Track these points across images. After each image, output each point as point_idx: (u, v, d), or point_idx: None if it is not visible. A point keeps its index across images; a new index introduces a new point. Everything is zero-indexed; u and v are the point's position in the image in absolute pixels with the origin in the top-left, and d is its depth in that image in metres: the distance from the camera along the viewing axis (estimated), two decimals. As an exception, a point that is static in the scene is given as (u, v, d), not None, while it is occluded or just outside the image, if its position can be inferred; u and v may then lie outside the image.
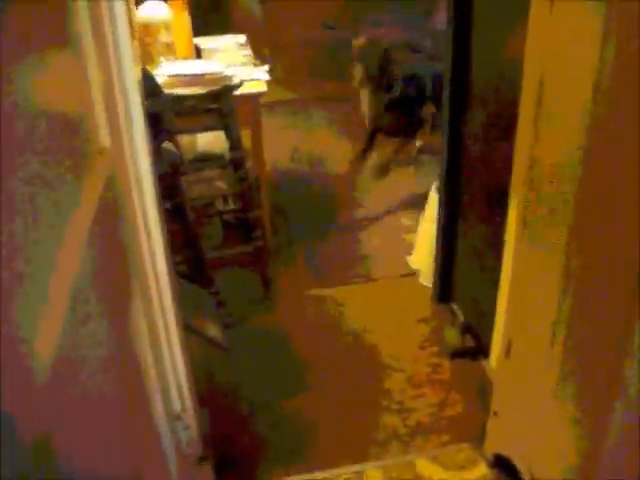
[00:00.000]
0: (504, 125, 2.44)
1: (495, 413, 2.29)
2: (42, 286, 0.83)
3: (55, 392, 0.75)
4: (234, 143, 2.98)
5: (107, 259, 1.25)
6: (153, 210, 1.66)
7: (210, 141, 3.62)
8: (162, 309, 1.74)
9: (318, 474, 2.38)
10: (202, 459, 2.04)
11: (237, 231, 3.48)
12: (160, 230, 1.72)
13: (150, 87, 2.19)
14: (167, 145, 2.41)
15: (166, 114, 2.22)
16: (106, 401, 1.01)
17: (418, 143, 4.79)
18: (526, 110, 2.12)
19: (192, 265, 2.95)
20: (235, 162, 3.02)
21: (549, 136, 1.82)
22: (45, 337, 0.77)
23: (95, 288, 1.09)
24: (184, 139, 3.46)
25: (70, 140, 1.16)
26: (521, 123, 2.24)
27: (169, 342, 1.75)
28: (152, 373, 1.57)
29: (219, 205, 3.60)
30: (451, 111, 2.86)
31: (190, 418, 1.92)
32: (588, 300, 1.71)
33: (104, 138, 1.37)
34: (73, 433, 0.80)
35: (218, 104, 2.88)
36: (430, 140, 4.71)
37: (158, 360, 1.66)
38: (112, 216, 1.34)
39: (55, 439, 0.73)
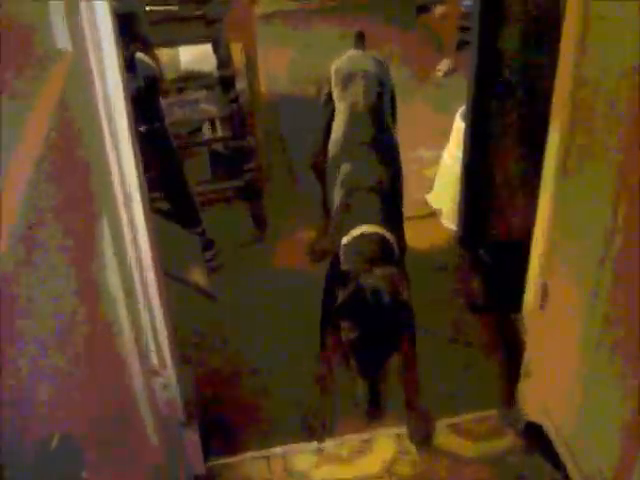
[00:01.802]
0: (545, 37, 2.38)
1: (527, 374, 2.28)
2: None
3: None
4: (223, 58, 2.92)
5: (65, 180, 1.21)
6: (124, 130, 1.62)
7: (195, 58, 3.56)
8: (136, 248, 1.71)
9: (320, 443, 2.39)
10: (185, 423, 2.04)
11: (227, 163, 3.43)
12: (133, 155, 1.67)
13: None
14: (143, 57, 2.35)
15: (139, 17, 2.16)
16: (61, 344, 0.98)
17: (443, 65, 4.71)
18: (572, 15, 2.06)
19: (174, 202, 2.92)
20: (224, 81, 2.97)
21: (598, 51, 1.77)
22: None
23: (50, 212, 1.05)
24: (164, 55, 3.40)
25: (22, 41, 1.12)
26: (566, 30, 2.18)
27: (144, 286, 1.73)
28: (123, 319, 1.55)
29: (206, 132, 3.55)
30: (481, 24, 2.79)
31: (170, 376, 1.91)
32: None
33: (62, 40, 1.33)
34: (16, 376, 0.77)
35: (203, 10, 2.81)
36: (457, 61, 4.63)
37: (131, 306, 1.64)
38: (72, 129, 1.30)
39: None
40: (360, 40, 2.98)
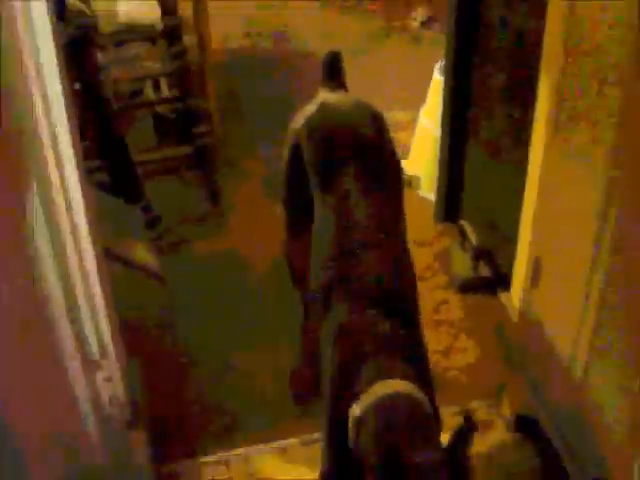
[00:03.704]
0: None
1: (518, 360, 2.31)
2: None
3: None
4: (167, 7, 2.90)
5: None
6: (55, 85, 1.60)
7: (135, 8, 3.53)
8: (71, 221, 1.69)
9: (290, 440, 2.40)
10: (131, 423, 2.03)
11: (175, 128, 3.41)
12: (67, 114, 1.65)
13: None
14: (75, 2, 2.32)
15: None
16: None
17: (419, 13, 4.72)
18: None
19: (114, 172, 2.89)
20: (169, 33, 2.95)
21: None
22: None
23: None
24: (101, 6, 3.37)
25: None
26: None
27: (81, 265, 1.71)
28: (58, 302, 1.54)
29: (150, 93, 3.53)
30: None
31: (113, 367, 1.90)
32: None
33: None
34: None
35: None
36: (435, 10, 4.64)
37: (66, 285, 1.62)
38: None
39: None
40: (334, 71, 2.24)
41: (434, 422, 1.58)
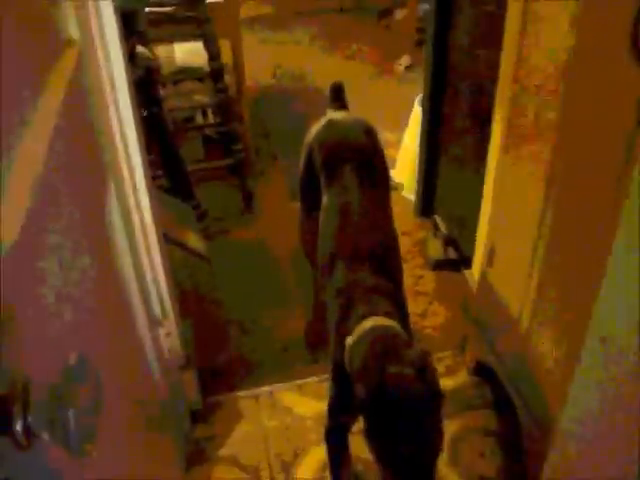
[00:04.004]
0: (490, 31, 2.37)
1: (476, 321, 2.30)
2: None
3: (18, 276, 0.71)
4: (212, 53, 2.89)
5: (78, 155, 1.19)
6: (128, 111, 1.60)
7: (188, 55, 3.52)
8: (139, 212, 1.69)
9: (305, 380, 2.40)
10: (185, 366, 2.04)
11: (218, 146, 3.41)
12: (137, 134, 1.65)
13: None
14: (142, 50, 2.31)
15: (139, 16, 2.12)
16: (79, 295, 0.97)
17: (404, 60, 4.69)
18: (513, 12, 2.05)
19: (173, 178, 2.89)
20: (214, 73, 2.94)
21: (537, 39, 1.76)
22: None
23: (64, 185, 1.04)
24: (162, 53, 3.36)
25: (36, 29, 1.09)
26: (508, 26, 2.17)
27: (147, 245, 1.72)
28: (130, 274, 1.54)
29: (199, 119, 3.52)
30: (436, 25, 2.77)
31: (171, 325, 1.90)
32: (571, 208, 1.68)
33: (72, 29, 1.30)
34: (40, 322, 0.76)
35: (194, 11, 2.77)
36: (416, 57, 4.61)
37: (136, 262, 1.63)
38: (81, 108, 1.28)
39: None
40: (338, 96, 2.25)
41: (409, 346, 1.53)
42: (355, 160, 1.95)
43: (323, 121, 2.12)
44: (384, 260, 1.77)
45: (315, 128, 2.11)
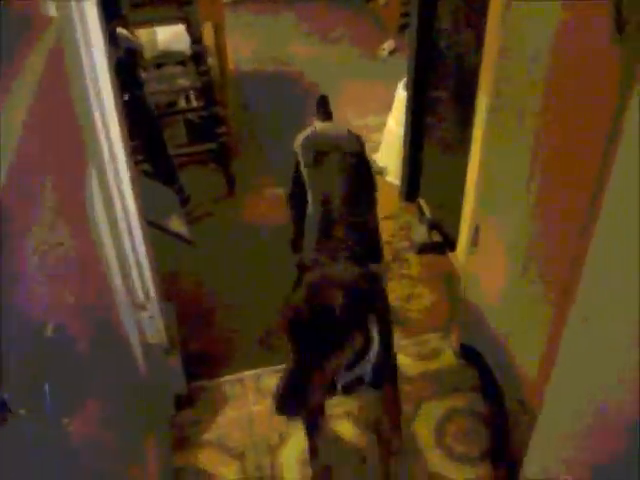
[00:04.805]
0: (474, 13, 2.36)
1: (462, 303, 2.30)
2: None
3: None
4: (194, 36, 2.85)
5: (56, 133, 1.17)
6: (108, 93, 1.57)
7: (170, 39, 3.48)
8: (121, 196, 1.68)
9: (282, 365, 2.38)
10: (169, 350, 2.03)
11: (201, 130, 3.38)
12: (118, 117, 1.63)
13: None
14: (124, 32, 2.28)
15: (120, -2, 2.10)
16: (56, 273, 0.96)
17: (388, 44, 4.67)
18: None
19: (155, 163, 2.87)
20: (196, 56, 2.90)
21: (519, 24, 1.76)
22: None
23: (40, 161, 1.02)
24: (144, 36, 3.32)
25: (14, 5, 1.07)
26: (492, 9, 2.17)
27: (130, 229, 1.70)
28: (112, 258, 1.53)
29: (182, 103, 3.50)
30: (419, 8, 2.75)
31: (155, 309, 1.89)
32: (554, 187, 1.68)
33: (50, 7, 1.28)
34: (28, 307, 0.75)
35: (177, -7, 2.74)
36: (400, 41, 4.59)
37: (119, 246, 1.61)
38: (61, 88, 1.26)
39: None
40: (324, 107, 2.30)
41: None
42: (337, 162, 2.01)
43: (309, 130, 2.19)
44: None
45: (302, 136, 2.17)
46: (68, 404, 0.57)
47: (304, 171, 2.06)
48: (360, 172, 2.07)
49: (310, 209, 1.95)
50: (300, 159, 2.09)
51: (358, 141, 2.17)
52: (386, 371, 1.74)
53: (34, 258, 0.82)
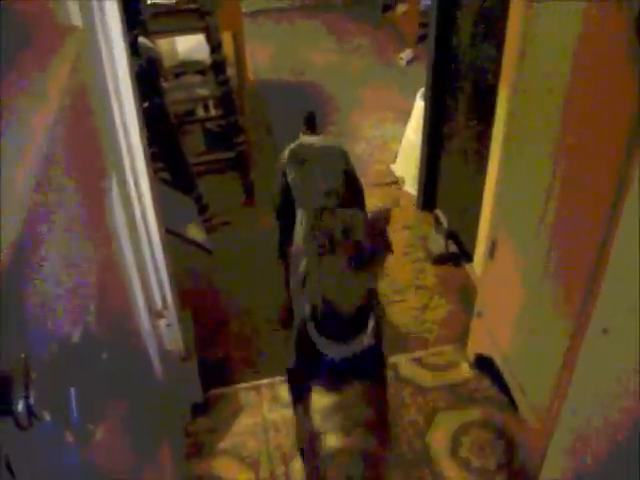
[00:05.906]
0: (494, 26, 2.37)
1: (478, 314, 2.30)
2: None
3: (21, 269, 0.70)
4: (214, 45, 2.87)
5: (78, 146, 1.19)
6: (129, 101, 1.59)
7: (190, 49, 3.52)
8: (141, 206, 1.69)
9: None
10: (185, 358, 2.04)
11: (219, 139, 3.40)
12: (138, 124, 1.65)
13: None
14: (145, 41, 2.31)
15: (142, 8, 2.12)
16: (79, 282, 0.97)
17: (405, 54, 4.68)
18: (515, 13, 2.06)
19: (174, 171, 2.88)
20: (215, 65, 2.92)
21: (539, 38, 1.76)
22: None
23: (64, 170, 1.03)
24: (164, 46, 3.36)
25: (39, 15, 1.09)
26: (511, 26, 2.17)
27: (149, 239, 1.72)
28: (131, 266, 1.54)
29: (200, 112, 3.52)
30: (438, 20, 2.76)
31: (172, 316, 1.90)
32: (573, 203, 1.68)
33: (74, 16, 1.30)
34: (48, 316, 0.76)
35: (197, 4, 2.77)
36: (418, 51, 4.60)
37: (138, 255, 1.62)
38: (84, 99, 1.28)
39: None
40: (310, 123, 2.42)
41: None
42: (321, 173, 2.10)
43: (296, 143, 2.29)
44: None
45: (288, 149, 2.27)
46: (93, 410, 0.58)
47: (291, 182, 2.15)
48: (347, 177, 2.14)
49: (298, 217, 2.05)
50: (287, 170, 2.18)
51: (341, 151, 2.26)
52: (376, 360, 1.85)
53: (59, 266, 0.83)
